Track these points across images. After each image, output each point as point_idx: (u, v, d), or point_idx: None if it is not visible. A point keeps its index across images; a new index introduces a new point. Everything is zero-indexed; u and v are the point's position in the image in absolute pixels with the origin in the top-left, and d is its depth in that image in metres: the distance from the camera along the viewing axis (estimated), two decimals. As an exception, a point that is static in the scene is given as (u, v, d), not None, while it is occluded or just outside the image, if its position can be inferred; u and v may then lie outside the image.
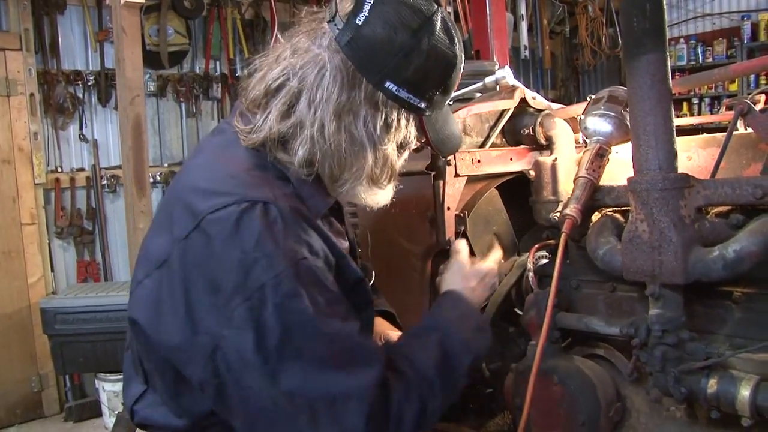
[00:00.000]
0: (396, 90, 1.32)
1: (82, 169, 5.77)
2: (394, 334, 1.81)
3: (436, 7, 1.34)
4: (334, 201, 1.48)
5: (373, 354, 1.30)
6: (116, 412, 4.37)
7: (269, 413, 1.23)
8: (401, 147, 1.42)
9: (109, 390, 4.78)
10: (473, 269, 1.70)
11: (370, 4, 1.30)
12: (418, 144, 1.50)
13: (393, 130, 1.36)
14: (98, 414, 5.10)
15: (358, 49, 1.29)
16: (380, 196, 1.49)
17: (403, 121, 1.37)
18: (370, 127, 1.33)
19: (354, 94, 1.31)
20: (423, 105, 1.37)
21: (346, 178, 1.37)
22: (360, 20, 1.29)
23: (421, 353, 1.40)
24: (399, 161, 1.45)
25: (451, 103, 2.36)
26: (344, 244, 1.53)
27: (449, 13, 6.80)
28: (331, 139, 1.31)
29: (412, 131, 1.41)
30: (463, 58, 1.42)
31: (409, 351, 1.41)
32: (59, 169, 5.65)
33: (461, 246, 1.76)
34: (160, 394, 1.42)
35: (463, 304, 1.58)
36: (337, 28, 1.32)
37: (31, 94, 5.33)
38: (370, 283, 1.71)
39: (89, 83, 5.77)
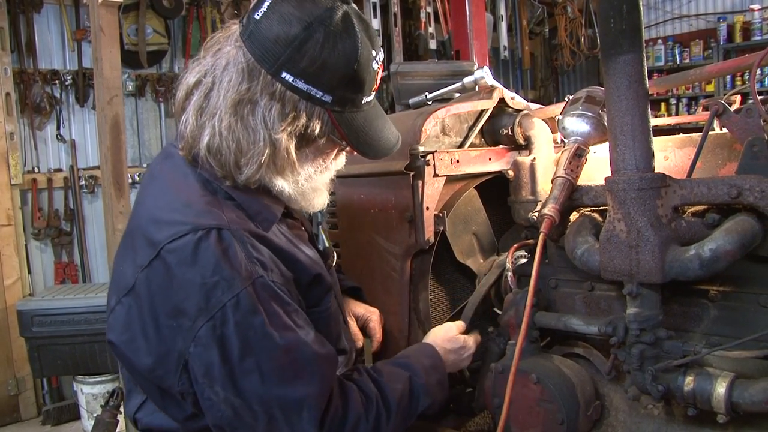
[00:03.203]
0: (293, 80, 1.35)
1: (59, 170, 5.72)
2: (359, 308, 1.96)
3: (338, 3, 1.38)
4: (281, 209, 1.53)
5: (326, 364, 1.40)
6: (95, 415, 4.32)
7: (230, 420, 1.32)
8: (305, 140, 1.44)
9: (88, 393, 4.73)
10: (456, 337, 1.83)
11: (269, 1, 1.37)
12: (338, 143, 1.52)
13: (289, 119, 1.38)
14: (76, 417, 5.05)
15: (256, 42, 1.36)
16: (308, 194, 1.53)
17: (304, 113, 1.39)
18: (266, 115, 1.37)
19: (254, 84, 1.36)
20: (328, 98, 1.39)
21: (245, 163, 1.39)
22: (258, 15, 1.37)
23: (390, 383, 1.55)
24: (298, 153, 1.45)
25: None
26: (303, 236, 1.61)
27: (428, 13, 6.84)
28: (228, 127, 1.37)
29: (317, 125, 1.41)
30: (374, 55, 1.43)
31: (381, 378, 1.56)
32: (36, 170, 5.60)
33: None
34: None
35: (435, 358, 1.73)
36: (242, 25, 1.40)
37: (7, 94, 5.26)
38: (333, 264, 1.83)
39: (66, 83, 5.72)
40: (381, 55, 1.47)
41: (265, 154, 1.38)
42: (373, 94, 1.50)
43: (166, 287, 1.32)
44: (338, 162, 1.59)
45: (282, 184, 1.46)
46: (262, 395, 1.30)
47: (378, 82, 1.48)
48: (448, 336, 1.82)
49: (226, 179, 1.43)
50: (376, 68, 1.45)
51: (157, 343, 1.33)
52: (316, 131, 1.42)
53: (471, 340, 1.87)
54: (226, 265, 1.30)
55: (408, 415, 1.57)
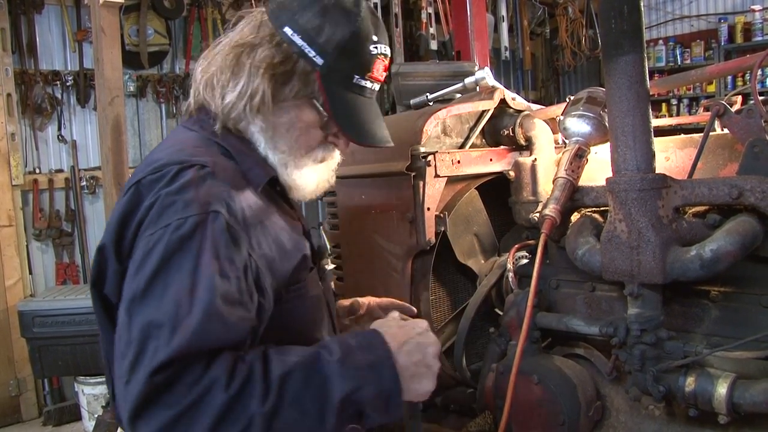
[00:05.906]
0: (291, 34, 1.46)
1: (60, 171, 5.72)
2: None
3: None
4: (273, 174, 1.52)
5: (217, 322, 1.19)
6: (96, 416, 4.33)
7: (117, 346, 1.23)
8: (286, 89, 1.48)
9: (89, 393, 4.72)
10: (406, 324, 1.44)
11: None
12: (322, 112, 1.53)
13: (275, 61, 1.46)
14: (78, 418, 5.04)
15: (276, 2, 1.52)
16: (290, 170, 1.52)
17: (291, 64, 1.47)
18: (258, 57, 1.46)
19: (258, 33, 1.49)
20: (319, 61, 1.46)
21: (230, 89, 1.47)
22: None
23: (283, 356, 1.26)
24: (276, 97, 1.48)
25: (428, 101, 2.36)
26: (297, 227, 1.56)
27: (429, 14, 6.84)
28: (224, 61, 1.49)
29: (302, 79, 1.48)
30: (375, 39, 1.50)
31: (274, 350, 1.28)
32: (37, 171, 5.59)
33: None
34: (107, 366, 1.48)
35: (373, 337, 1.35)
36: None
37: (8, 95, 5.26)
38: (327, 265, 1.80)
39: (68, 83, 5.71)
40: (385, 48, 1.53)
41: (244, 84, 1.45)
42: (373, 84, 1.53)
43: (135, 208, 1.33)
44: (332, 154, 1.58)
45: (256, 131, 1.50)
46: (149, 322, 1.17)
47: (376, 70, 1.52)
48: (395, 324, 1.43)
49: (218, 120, 1.49)
50: (374, 53, 1.50)
51: (118, 260, 1.34)
52: (297, 86, 1.48)
53: (420, 321, 1.45)
54: (191, 189, 1.30)
55: (308, 398, 1.21)
